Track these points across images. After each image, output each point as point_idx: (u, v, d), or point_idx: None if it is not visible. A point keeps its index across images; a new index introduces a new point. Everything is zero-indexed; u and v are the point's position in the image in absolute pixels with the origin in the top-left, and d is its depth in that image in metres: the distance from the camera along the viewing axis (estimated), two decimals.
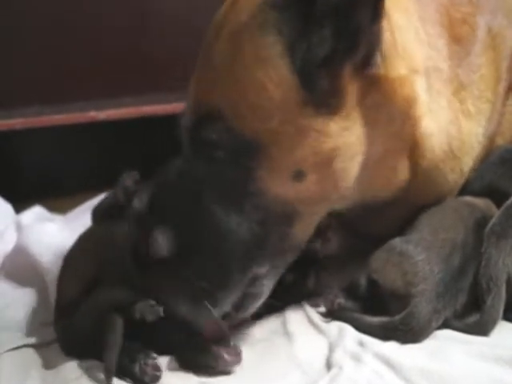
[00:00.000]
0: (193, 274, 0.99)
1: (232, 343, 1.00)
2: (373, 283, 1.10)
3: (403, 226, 1.18)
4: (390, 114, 1.05)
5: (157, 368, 0.98)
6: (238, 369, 1.01)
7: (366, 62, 0.99)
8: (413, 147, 1.10)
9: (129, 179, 1.16)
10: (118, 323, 0.99)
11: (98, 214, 1.24)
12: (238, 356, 0.99)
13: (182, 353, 1.02)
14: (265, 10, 0.96)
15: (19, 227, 1.54)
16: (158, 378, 0.97)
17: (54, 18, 1.84)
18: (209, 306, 0.96)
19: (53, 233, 1.42)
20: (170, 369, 1.02)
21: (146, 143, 1.82)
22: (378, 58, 1.00)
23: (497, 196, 1.21)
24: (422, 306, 1.03)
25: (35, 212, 1.65)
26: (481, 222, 1.16)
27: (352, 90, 0.99)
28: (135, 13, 1.97)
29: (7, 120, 1.77)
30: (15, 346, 1.11)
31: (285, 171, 0.98)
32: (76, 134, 1.83)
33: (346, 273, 1.22)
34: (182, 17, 1.50)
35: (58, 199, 1.69)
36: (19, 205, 1.65)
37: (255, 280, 1.03)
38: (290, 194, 1.00)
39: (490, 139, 1.26)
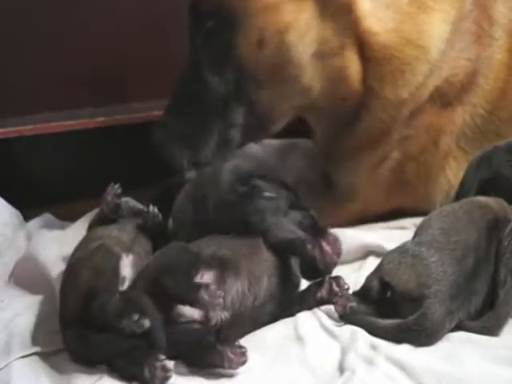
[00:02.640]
0: (182, 123, 1.36)
1: (237, 343, 1.01)
2: (385, 286, 1.09)
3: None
4: (335, 10, 1.36)
5: (166, 369, 0.98)
6: (249, 374, 1.00)
7: None
8: (359, 43, 1.40)
9: (110, 194, 1.23)
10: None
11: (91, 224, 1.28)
12: (243, 355, 0.99)
13: (188, 353, 1.02)
14: None
15: (29, 234, 1.54)
16: (168, 378, 0.98)
17: (63, 25, 1.84)
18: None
19: (62, 240, 1.41)
20: (178, 373, 1.01)
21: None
22: None
23: (502, 181, 1.30)
24: (436, 307, 1.03)
25: (45, 219, 1.65)
26: (493, 224, 1.17)
27: None
28: (144, 18, 1.97)
29: (17, 127, 1.76)
30: (26, 353, 1.10)
31: (252, 38, 1.32)
32: (85, 139, 1.83)
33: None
34: None
35: (68, 205, 1.68)
36: (28, 211, 1.64)
37: (230, 127, 1.37)
38: (254, 59, 1.33)
39: (473, 65, 1.50)
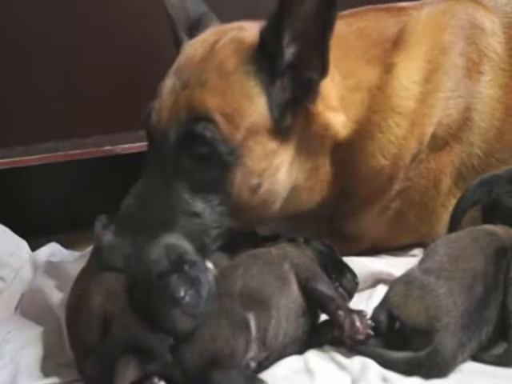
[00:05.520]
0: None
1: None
2: (393, 318, 1.08)
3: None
4: (315, 137, 1.36)
5: None
6: None
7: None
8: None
9: (98, 225, 1.25)
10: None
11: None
12: None
13: None
14: (246, 63, 1.27)
15: (35, 265, 1.53)
16: None
17: (68, 55, 1.85)
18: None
19: (69, 271, 1.41)
20: None
21: None
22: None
23: (501, 209, 1.32)
24: (447, 340, 1.02)
25: (51, 248, 1.65)
26: (500, 252, 1.16)
27: (297, 124, 1.32)
28: (149, 49, 1.98)
29: (24, 157, 1.77)
30: None
31: (248, 181, 1.27)
32: (91, 168, 1.83)
33: None
34: None
35: (74, 234, 1.69)
36: (35, 241, 1.64)
37: (203, 247, 1.25)
38: (246, 199, 1.28)
39: (465, 101, 1.47)
